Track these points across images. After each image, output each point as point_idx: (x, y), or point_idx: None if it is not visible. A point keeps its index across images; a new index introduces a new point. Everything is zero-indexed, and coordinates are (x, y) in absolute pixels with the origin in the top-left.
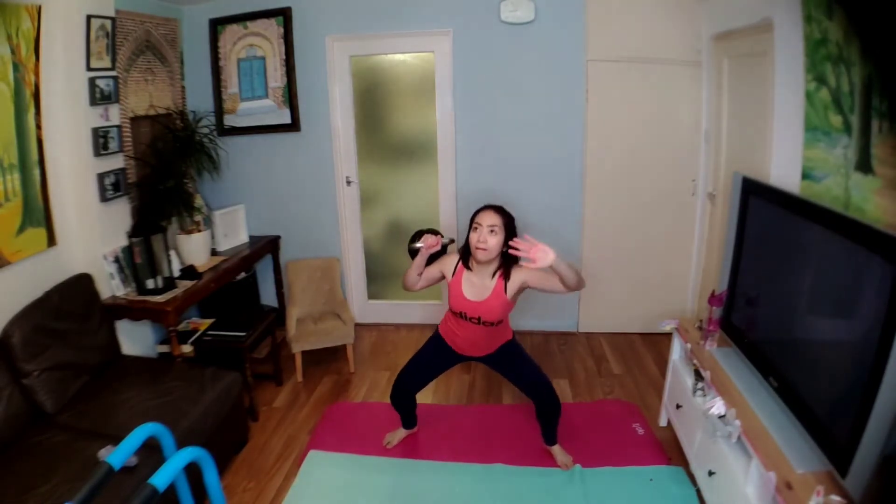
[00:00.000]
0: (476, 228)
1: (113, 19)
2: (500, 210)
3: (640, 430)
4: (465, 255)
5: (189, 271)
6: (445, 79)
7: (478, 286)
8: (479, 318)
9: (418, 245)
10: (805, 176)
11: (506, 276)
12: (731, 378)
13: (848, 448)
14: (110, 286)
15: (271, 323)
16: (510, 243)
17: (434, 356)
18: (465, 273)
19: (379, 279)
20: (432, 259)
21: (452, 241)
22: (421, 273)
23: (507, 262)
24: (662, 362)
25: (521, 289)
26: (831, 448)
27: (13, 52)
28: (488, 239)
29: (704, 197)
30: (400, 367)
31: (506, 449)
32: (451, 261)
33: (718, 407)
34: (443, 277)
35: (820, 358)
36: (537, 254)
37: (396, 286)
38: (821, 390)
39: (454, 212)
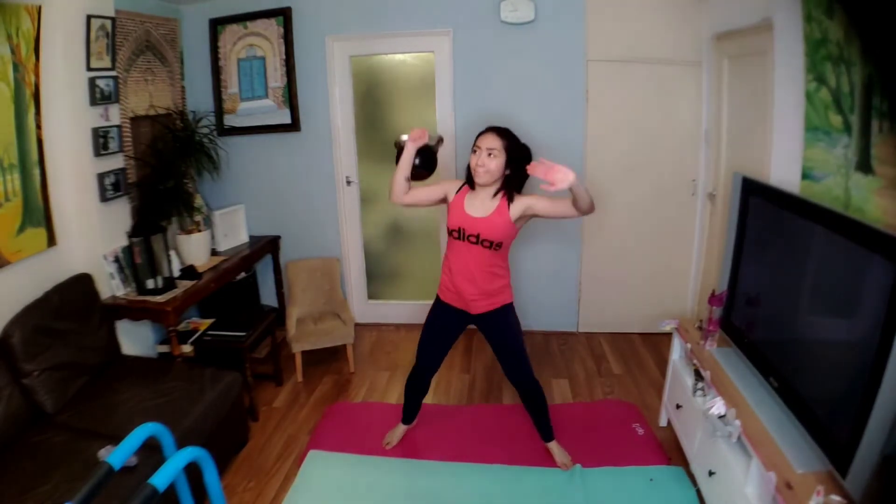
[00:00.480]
0: (475, 151)
1: (113, 19)
2: (501, 133)
3: (640, 430)
4: (469, 177)
5: (189, 271)
6: (445, 79)
7: (479, 205)
8: (478, 236)
9: (404, 137)
10: (805, 176)
11: (509, 198)
12: (731, 378)
13: (848, 448)
14: (110, 286)
15: (271, 323)
16: (527, 168)
17: (436, 322)
18: (469, 193)
19: (379, 279)
20: (425, 163)
21: (441, 139)
22: (408, 177)
23: (510, 185)
24: (662, 362)
25: (526, 215)
26: (831, 448)
27: (13, 52)
28: (486, 162)
29: (704, 197)
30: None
31: (506, 449)
32: (454, 184)
33: (718, 407)
34: (443, 200)
35: (820, 358)
36: (556, 175)
37: (396, 286)
38: (821, 390)
39: None
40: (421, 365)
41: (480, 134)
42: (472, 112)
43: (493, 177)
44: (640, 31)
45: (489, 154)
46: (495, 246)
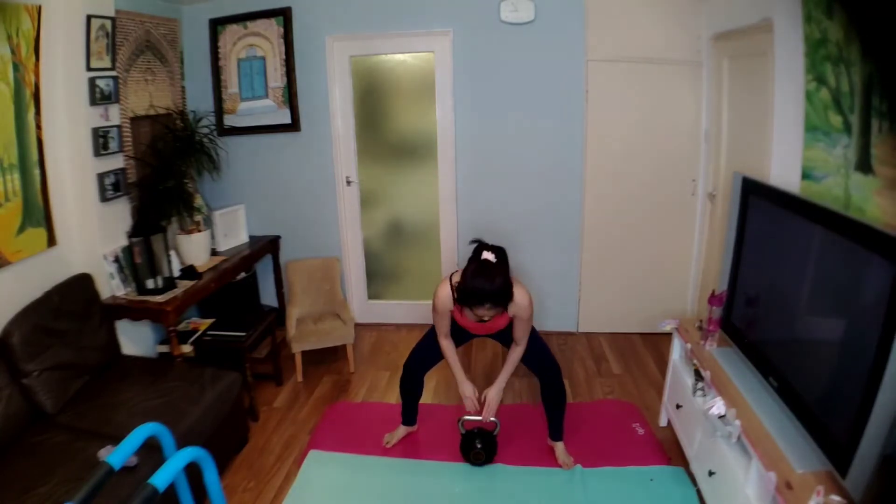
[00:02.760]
0: (479, 318)
1: (113, 19)
2: (499, 302)
3: (640, 430)
4: (461, 295)
5: (189, 271)
6: (445, 79)
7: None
8: (487, 335)
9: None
10: (805, 176)
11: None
12: (731, 378)
13: (848, 448)
14: (110, 286)
15: (271, 323)
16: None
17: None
18: (464, 309)
19: (379, 279)
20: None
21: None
22: (447, 339)
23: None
24: (662, 362)
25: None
26: (831, 448)
27: (13, 52)
28: (489, 325)
29: (704, 197)
30: (400, 367)
31: (506, 449)
32: (444, 292)
33: (718, 407)
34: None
35: (820, 358)
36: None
37: (396, 286)
38: (821, 390)
39: (454, 211)
40: (412, 366)
41: (476, 305)
42: (472, 112)
43: None
44: (640, 31)
45: (491, 318)
46: (506, 328)
